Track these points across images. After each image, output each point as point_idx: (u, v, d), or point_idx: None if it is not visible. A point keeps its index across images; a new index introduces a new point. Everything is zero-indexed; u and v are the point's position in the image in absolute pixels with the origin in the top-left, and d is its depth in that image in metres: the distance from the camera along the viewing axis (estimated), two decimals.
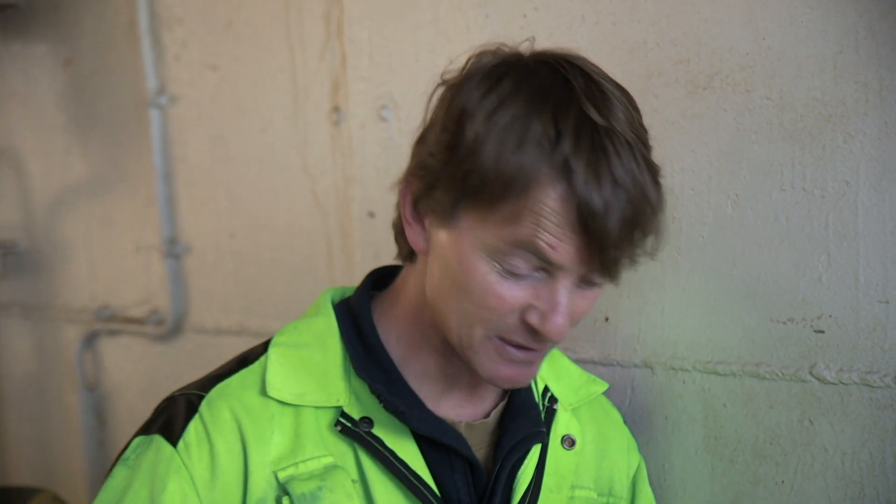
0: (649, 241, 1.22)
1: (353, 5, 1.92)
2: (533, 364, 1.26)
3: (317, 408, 1.28)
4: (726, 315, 1.51)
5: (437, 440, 1.28)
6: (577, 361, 1.64)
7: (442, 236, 1.24)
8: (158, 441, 1.23)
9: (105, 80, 2.43)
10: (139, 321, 2.41)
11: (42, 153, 2.59)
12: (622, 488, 1.47)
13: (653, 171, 1.20)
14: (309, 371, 1.29)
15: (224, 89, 2.18)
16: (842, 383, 1.42)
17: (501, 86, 1.19)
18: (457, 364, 1.31)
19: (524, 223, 1.16)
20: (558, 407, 1.42)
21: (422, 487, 1.25)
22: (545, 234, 1.15)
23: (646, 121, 1.55)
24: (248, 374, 1.29)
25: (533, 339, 1.22)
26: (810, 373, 1.44)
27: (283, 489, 1.23)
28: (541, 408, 1.40)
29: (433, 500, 1.25)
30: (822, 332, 1.43)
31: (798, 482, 1.46)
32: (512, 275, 1.19)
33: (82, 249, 2.54)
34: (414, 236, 1.28)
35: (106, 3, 2.39)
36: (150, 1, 2.26)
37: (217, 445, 1.22)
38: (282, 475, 1.23)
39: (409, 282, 1.33)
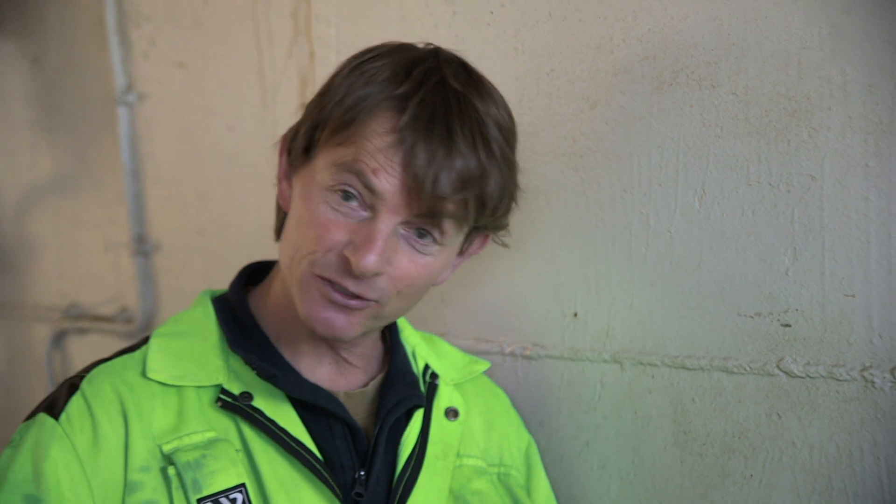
0: (488, 214, 1.30)
1: (320, 2, 1.91)
2: (352, 315, 1.29)
3: (198, 387, 1.32)
4: (694, 310, 1.52)
5: (311, 403, 1.33)
6: (547, 358, 1.65)
7: (298, 185, 1.31)
8: (41, 417, 1.27)
9: (73, 78, 2.41)
10: (108, 319, 2.40)
11: (9, 151, 2.57)
12: (512, 459, 1.53)
13: (505, 155, 1.28)
14: (188, 355, 1.34)
15: (192, 87, 2.16)
16: (809, 377, 1.42)
17: (380, 51, 1.30)
18: None
19: (355, 146, 1.23)
20: (440, 382, 1.48)
21: (303, 452, 1.29)
22: (370, 158, 1.23)
23: (612, 117, 1.56)
24: (128, 358, 1.35)
25: (347, 277, 1.25)
26: (778, 367, 1.45)
27: (168, 460, 1.26)
28: (421, 382, 1.47)
29: (315, 464, 1.29)
30: (788, 325, 1.44)
31: (767, 476, 1.47)
32: (340, 213, 1.25)
33: (50, 248, 2.52)
34: (282, 194, 1.37)
35: (73, 1, 2.38)
36: None
37: (98, 416, 1.26)
38: (166, 448, 1.26)
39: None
